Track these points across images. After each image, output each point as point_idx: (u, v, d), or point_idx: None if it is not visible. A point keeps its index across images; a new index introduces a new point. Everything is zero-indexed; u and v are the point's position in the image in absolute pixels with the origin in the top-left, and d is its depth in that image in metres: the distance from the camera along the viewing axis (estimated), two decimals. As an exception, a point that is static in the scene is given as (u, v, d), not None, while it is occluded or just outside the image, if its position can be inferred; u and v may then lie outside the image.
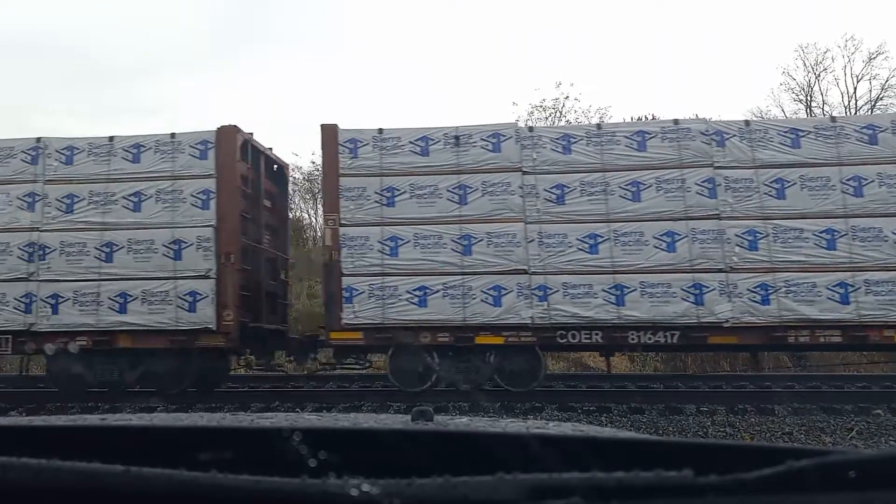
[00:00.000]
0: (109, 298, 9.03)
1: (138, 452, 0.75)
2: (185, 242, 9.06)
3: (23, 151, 9.46)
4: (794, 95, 26.27)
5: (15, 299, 9.15)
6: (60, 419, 1.32)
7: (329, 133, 9.40)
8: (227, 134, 9.42)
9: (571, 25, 45.47)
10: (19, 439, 0.91)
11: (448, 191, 9.06)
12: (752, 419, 8.20)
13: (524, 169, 9.05)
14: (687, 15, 44.58)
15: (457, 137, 9.17)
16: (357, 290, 8.95)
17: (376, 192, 9.12)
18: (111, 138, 9.47)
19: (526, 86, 57.30)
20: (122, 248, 9.12)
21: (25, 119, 43.10)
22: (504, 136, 9.18)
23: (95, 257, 9.11)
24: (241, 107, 45.93)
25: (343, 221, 9.11)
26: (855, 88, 25.48)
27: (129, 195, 9.22)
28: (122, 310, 9.01)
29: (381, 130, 9.36)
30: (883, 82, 24.72)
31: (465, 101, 42.43)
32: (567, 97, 24.00)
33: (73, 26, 51.13)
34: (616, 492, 0.63)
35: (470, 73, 48.76)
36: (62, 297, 9.08)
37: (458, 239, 8.94)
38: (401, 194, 9.11)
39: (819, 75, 25.82)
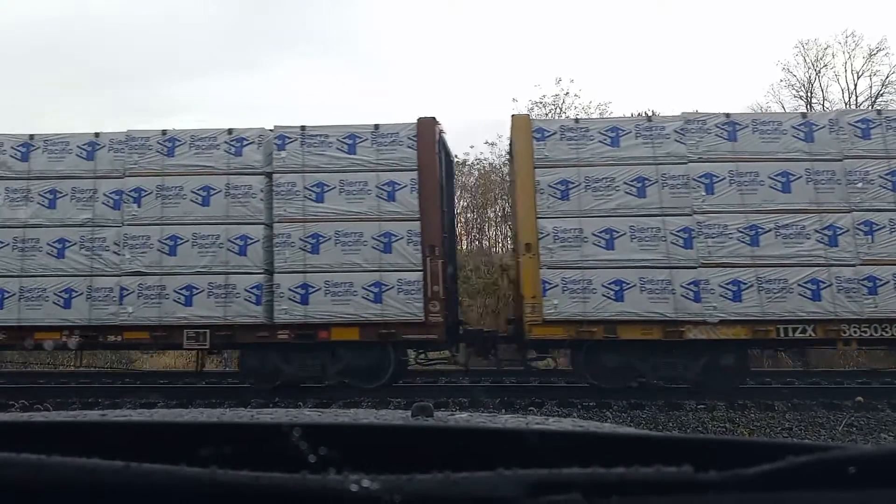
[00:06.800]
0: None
1: (138, 448, 0.75)
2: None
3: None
4: (794, 92, 26.26)
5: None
6: (60, 415, 1.32)
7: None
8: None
9: (572, 21, 45.40)
10: (19, 435, 0.91)
11: None
12: (752, 415, 8.21)
13: None
14: (687, 10, 44.51)
15: None
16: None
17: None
18: None
19: (526, 82, 57.31)
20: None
21: (25, 120, 43.10)
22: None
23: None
24: (242, 107, 45.89)
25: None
26: (855, 85, 25.49)
27: None
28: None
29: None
30: (883, 78, 24.73)
31: (465, 97, 42.41)
32: (567, 93, 23.98)
33: (70, 29, 51.05)
34: (616, 487, 0.63)
35: (470, 69, 48.71)
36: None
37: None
38: None
39: (819, 71, 25.82)
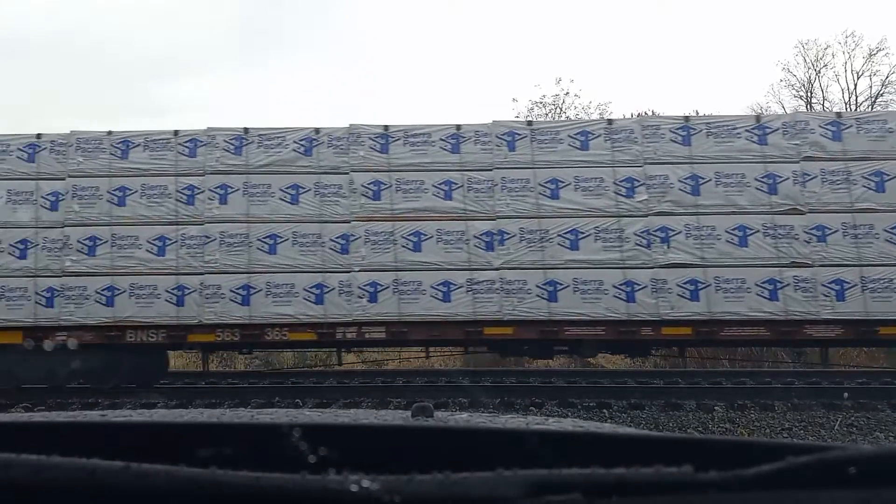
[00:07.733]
0: None
1: (138, 449, 0.75)
2: None
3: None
4: (794, 92, 26.25)
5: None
6: (61, 415, 1.32)
7: None
8: None
9: (571, 21, 45.41)
10: (19, 435, 0.91)
11: None
12: (752, 415, 8.21)
13: None
14: (687, 10, 44.54)
15: None
16: None
17: None
18: None
19: (526, 82, 57.34)
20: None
21: (25, 119, 43.11)
22: None
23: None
24: (242, 106, 45.94)
25: None
26: (855, 85, 25.45)
27: None
28: None
29: None
30: (883, 78, 24.71)
31: (465, 98, 42.43)
32: (567, 93, 23.96)
33: (64, 26, 51.09)
34: (616, 488, 0.63)
35: (470, 69, 48.73)
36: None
37: None
38: None
39: (819, 71, 25.77)
